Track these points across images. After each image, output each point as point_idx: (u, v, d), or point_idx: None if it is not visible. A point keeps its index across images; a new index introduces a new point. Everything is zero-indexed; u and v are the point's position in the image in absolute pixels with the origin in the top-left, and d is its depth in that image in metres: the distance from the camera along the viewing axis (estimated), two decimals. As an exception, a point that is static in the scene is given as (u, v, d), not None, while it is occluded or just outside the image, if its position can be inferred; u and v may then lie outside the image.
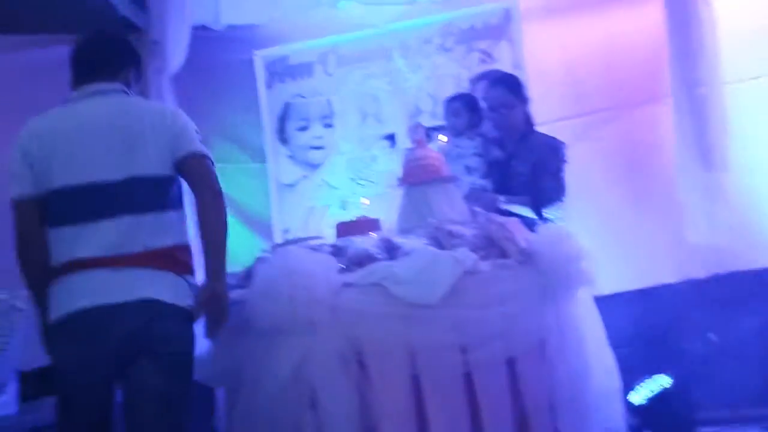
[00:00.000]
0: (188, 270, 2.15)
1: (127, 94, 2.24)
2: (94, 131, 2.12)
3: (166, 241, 2.10)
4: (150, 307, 2.03)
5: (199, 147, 2.18)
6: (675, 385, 3.43)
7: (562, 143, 3.21)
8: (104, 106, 2.18)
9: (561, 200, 3.11)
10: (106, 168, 2.08)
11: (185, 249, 2.16)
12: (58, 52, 3.75)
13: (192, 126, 2.21)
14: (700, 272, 3.64)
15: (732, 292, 3.69)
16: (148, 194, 2.10)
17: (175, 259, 2.10)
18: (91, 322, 2.01)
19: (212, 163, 2.20)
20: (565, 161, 3.18)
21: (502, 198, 3.09)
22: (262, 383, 2.33)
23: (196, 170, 2.15)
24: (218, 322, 2.14)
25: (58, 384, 2.06)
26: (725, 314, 3.73)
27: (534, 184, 3.14)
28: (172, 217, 2.14)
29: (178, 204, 2.18)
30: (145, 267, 2.05)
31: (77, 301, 2.02)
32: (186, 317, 2.10)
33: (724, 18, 3.45)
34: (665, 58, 3.55)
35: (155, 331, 2.03)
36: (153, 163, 2.11)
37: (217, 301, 2.12)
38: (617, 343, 2.71)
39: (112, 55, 2.30)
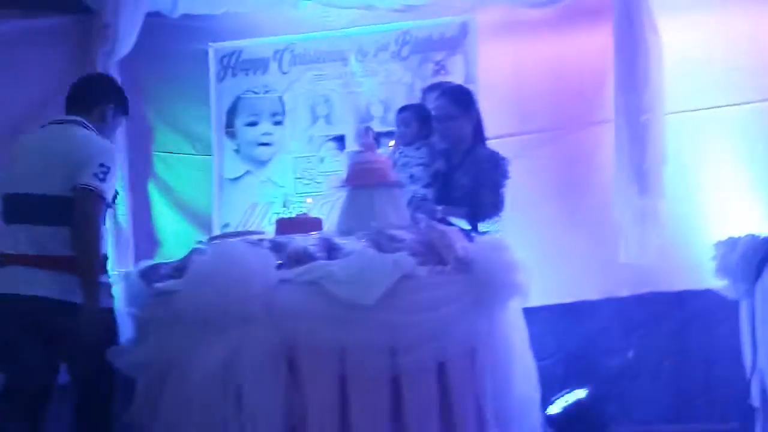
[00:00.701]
0: None
1: (82, 126, 2.67)
2: (34, 152, 2.63)
3: (64, 251, 2.50)
4: (40, 303, 2.46)
5: (89, 181, 2.53)
6: (591, 399, 3.53)
7: (504, 159, 3.25)
8: (51, 133, 2.68)
9: (498, 215, 3.15)
10: (29, 184, 2.56)
11: None
12: (8, 26, 3.70)
13: (98, 160, 2.56)
14: (622, 291, 3.77)
15: (651, 312, 3.85)
16: (55, 210, 2.52)
17: (73, 265, 2.49)
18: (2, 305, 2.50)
19: (98, 197, 2.54)
20: (506, 177, 3.22)
21: (440, 208, 3.13)
22: (190, 376, 2.31)
23: (77, 202, 2.52)
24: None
25: None
26: (643, 333, 3.87)
27: (473, 196, 3.18)
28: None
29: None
30: (42, 268, 2.49)
31: None
32: (77, 310, 2.46)
33: (669, 49, 3.56)
34: (610, 84, 3.65)
35: (52, 326, 2.46)
36: (59, 186, 2.53)
37: (87, 312, 2.46)
38: (539, 356, 2.79)
39: (87, 93, 2.81)
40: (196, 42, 4.17)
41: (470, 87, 3.79)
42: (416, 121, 3.51)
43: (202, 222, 4.08)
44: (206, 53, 4.15)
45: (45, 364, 2.52)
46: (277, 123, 4.11)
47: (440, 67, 3.98)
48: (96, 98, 2.80)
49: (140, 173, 3.98)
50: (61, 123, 2.69)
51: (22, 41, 3.76)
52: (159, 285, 2.54)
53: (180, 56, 4.18)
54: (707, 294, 3.56)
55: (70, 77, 3.87)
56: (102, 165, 2.56)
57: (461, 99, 3.37)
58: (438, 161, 3.39)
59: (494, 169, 3.19)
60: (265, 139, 4.10)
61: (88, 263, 2.50)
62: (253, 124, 4.09)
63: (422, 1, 3.98)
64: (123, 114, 2.90)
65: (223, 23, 4.14)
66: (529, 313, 2.73)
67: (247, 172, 4.10)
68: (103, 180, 2.55)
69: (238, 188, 4.09)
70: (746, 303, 3.08)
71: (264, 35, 4.14)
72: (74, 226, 2.50)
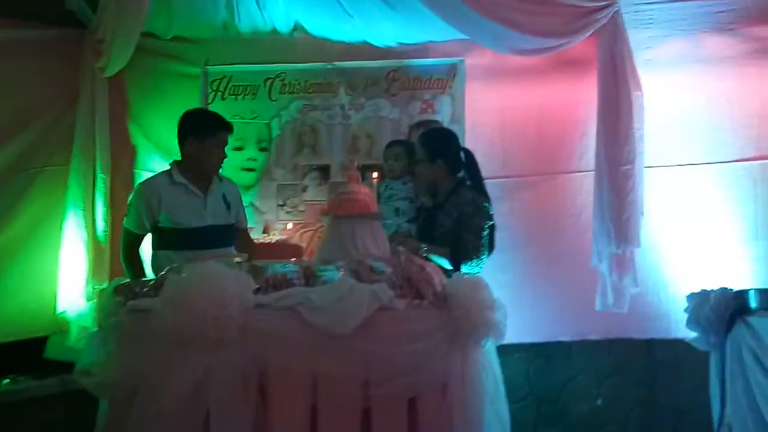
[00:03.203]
0: None
1: (168, 169, 3.27)
2: None
3: None
4: None
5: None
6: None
7: (487, 203, 3.28)
8: None
9: (480, 258, 3.17)
10: None
11: None
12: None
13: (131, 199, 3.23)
14: (593, 335, 3.81)
15: (622, 359, 3.88)
16: None
17: None
18: None
19: (124, 230, 3.25)
20: (488, 221, 3.24)
21: (424, 246, 3.14)
22: (160, 396, 2.26)
23: None
24: None
25: None
26: (614, 380, 3.88)
27: (455, 238, 3.19)
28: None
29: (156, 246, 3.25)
30: None
31: None
32: None
33: (651, 105, 3.64)
34: (592, 133, 3.72)
35: None
36: None
37: None
38: (511, 398, 2.78)
39: (176, 136, 3.27)
40: (187, 64, 4.16)
41: (455, 127, 3.86)
42: (406, 156, 3.54)
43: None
44: (196, 76, 4.14)
45: None
46: (263, 149, 4.11)
47: (428, 106, 4.04)
48: (180, 139, 3.23)
49: (121, 190, 3.94)
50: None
51: (9, 52, 3.73)
52: (133, 302, 2.49)
53: (169, 77, 4.18)
54: (677, 344, 3.60)
55: (57, 90, 3.92)
56: (129, 203, 3.19)
57: (428, 145, 3.39)
58: (424, 197, 3.41)
59: (477, 213, 3.20)
60: (249, 165, 4.09)
61: None
62: (238, 148, 4.08)
63: (414, 41, 4.07)
64: (211, 134, 3.18)
65: (216, 48, 4.16)
66: (503, 352, 2.73)
67: (230, 196, 4.08)
68: (126, 215, 3.22)
69: (219, 211, 4.06)
70: (716, 355, 3.11)
71: (256, 62, 4.16)
72: None
